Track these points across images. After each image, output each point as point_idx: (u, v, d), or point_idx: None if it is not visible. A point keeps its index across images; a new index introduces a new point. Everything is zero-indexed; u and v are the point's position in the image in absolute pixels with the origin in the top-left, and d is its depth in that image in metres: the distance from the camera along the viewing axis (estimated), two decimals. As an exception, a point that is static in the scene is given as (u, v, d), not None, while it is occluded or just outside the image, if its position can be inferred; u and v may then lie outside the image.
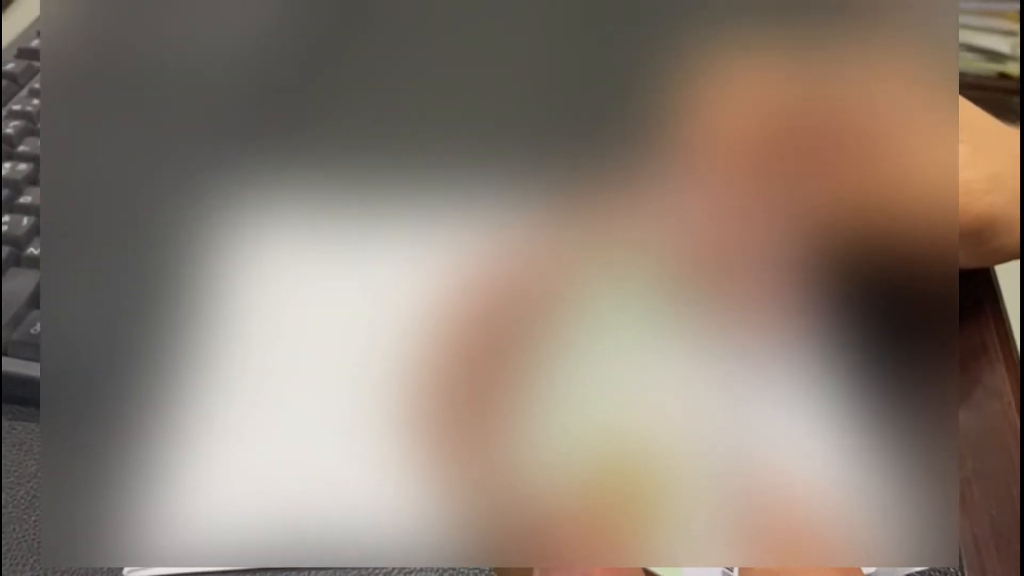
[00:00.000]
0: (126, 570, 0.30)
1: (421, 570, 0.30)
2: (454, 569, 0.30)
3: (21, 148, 0.44)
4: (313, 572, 0.30)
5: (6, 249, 0.38)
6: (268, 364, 0.19)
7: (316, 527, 0.19)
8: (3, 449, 0.34)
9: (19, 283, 0.37)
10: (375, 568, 0.29)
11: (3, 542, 0.31)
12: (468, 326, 0.19)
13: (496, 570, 0.21)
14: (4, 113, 0.46)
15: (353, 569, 0.30)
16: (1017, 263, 0.35)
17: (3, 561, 0.31)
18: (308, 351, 0.19)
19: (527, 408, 0.19)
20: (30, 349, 0.35)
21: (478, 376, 0.19)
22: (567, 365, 0.19)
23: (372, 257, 0.19)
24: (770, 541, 0.18)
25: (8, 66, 0.48)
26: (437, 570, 0.30)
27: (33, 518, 0.32)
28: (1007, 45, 1.19)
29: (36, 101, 0.47)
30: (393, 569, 0.30)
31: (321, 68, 0.20)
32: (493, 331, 0.19)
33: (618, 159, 0.19)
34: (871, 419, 0.19)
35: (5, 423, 0.35)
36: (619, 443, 0.19)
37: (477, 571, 0.30)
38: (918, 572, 0.29)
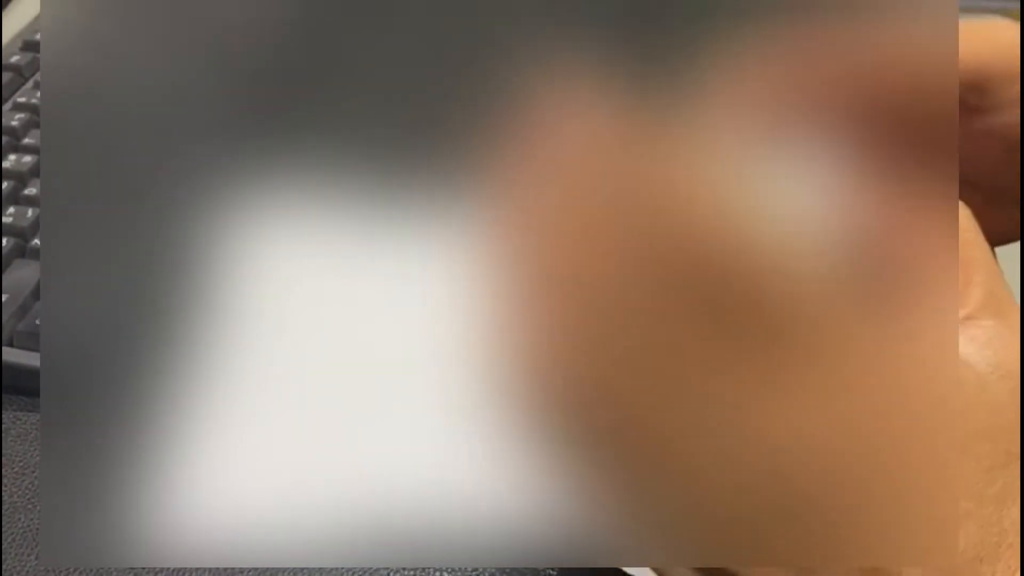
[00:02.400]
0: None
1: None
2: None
3: (26, 140, 0.44)
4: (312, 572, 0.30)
5: (12, 241, 0.39)
6: (279, 356, 0.19)
7: (359, 524, 0.19)
8: (9, 439, 0.34)
9: (24, 274, 0.38)
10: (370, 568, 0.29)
11: (8, 532, 0.31)
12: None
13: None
14: (9, 106, 0.46)
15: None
16: (1018, 259, 0.35)
17: (9, 551, 0.31)
18: (327, 339, 0.19)
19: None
20: (35, 340, 0.36)
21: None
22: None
23: (396, 239, 0.19)
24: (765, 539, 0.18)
25: (13, 59, 0.49)
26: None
27: (38, 508, 0.32)
28: (1010, 43, 1.19)
29: (41, 94, 0.47)
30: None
31: (332, 53, 0.20)
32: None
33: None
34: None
35: (11, 414, 0.35)
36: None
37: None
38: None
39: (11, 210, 0.40)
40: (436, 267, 0.19)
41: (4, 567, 0.30)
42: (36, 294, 0.37)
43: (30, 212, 0.40)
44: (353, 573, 0.30)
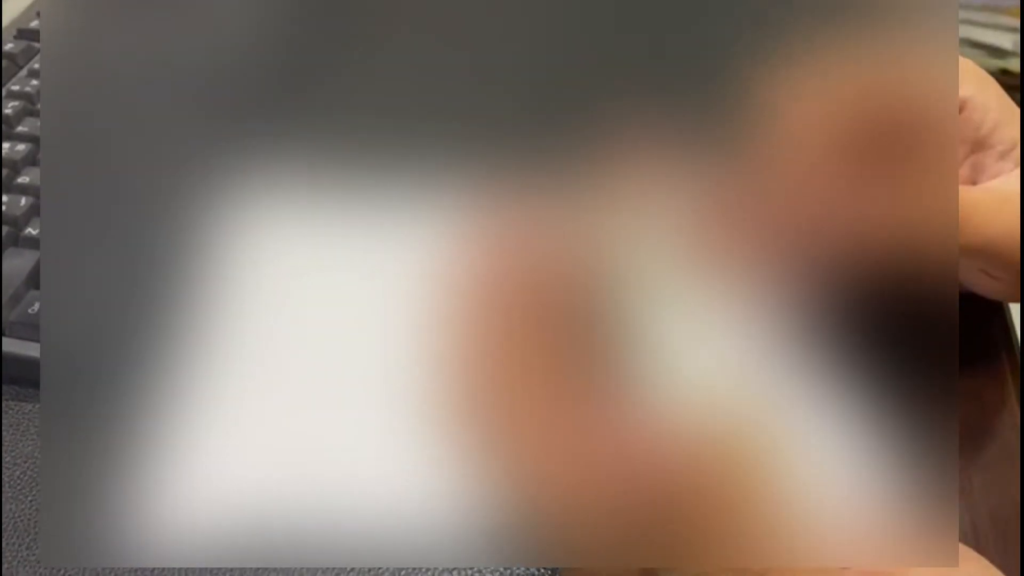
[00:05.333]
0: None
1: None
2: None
3: (20, 128, 0.44)
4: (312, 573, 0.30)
5: (4, 229, 0.38)
6: (278, 350, 0.19)
7: (341, 524, 0.19)
8: (2, 428, 0.34)
9: (17, 263, 0.37)
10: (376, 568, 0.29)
11: (1, 523, 0.31)
12: (513, 304, 0.18)
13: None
14: (3, 93, 0.45)
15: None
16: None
17: (1, 542, 0.30)
18: (317, 338, 0.19)
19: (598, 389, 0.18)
20: (28, 329, 0.35)
21: (539, 357, 0.18)
22: (629, 342, 0.18)
23: (380, 238, 0.19)
24: (770, 539, 0.18)
25: (7, 47, 0.48)
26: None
27: (30, 499, 0.32)
28: (1009, 41, 1.19)
29: (35, 82, 0.46)
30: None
31: (324, 47, 0.20)
32: (544, 311, 0.18)
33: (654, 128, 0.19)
34: (871, 417, 0.18)
35: (4, 403, 0.35)
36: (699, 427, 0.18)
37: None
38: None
39: (4, 198, 0.39)
40: (405, 268, 0.19)
41: (-5, 558, 0.30)
42: (30, 283, 0.37)
43: (23, 200, 0.39)
44: (350, 573, 0.30)
